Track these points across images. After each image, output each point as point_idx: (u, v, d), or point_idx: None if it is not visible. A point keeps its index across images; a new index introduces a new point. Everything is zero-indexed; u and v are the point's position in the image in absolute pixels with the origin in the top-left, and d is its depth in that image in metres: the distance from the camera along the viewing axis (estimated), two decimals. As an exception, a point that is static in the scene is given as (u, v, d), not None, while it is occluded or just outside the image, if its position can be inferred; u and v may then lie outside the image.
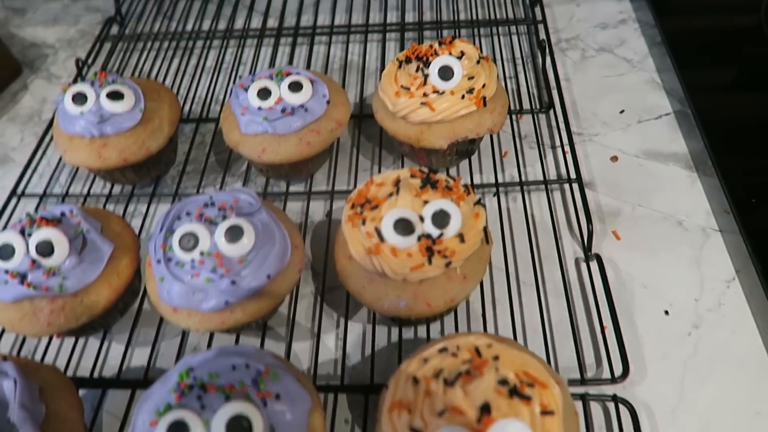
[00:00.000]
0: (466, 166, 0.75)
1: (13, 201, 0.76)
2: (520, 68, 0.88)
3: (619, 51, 0.90)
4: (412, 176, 0.54)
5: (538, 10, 0.94)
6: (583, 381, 0.55)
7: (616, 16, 0.96)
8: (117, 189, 0.77)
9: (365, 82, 0.87)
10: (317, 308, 0.64)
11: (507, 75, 0.87)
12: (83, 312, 0.56)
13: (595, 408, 0.55)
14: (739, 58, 0.84)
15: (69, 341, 0.64)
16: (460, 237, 0.50)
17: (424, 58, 0.64)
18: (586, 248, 0.65)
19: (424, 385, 0.42)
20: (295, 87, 0.65)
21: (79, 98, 0.66)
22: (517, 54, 0.90)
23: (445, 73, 0.63)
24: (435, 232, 0.50)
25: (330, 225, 0.70)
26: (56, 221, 0.56)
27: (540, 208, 0.70)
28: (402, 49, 0.92)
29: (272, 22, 1.00)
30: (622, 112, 0.81)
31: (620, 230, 0.68)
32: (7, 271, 0.54)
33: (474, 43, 0.74)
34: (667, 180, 0.72)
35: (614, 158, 0.75)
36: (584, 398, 0.54)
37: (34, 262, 0.54)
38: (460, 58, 0.63)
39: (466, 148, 0.70)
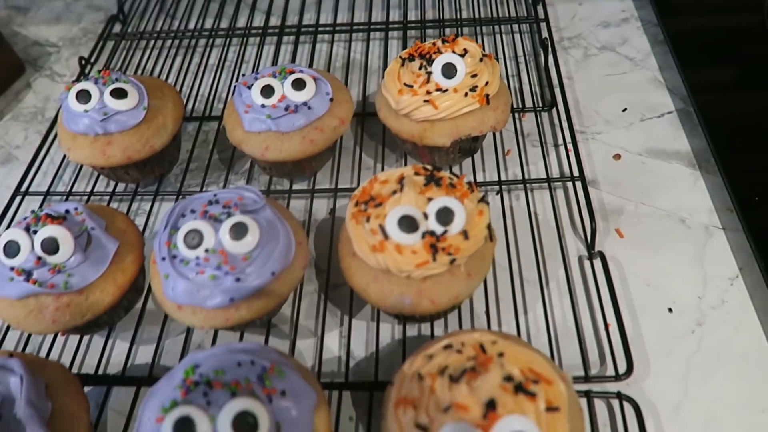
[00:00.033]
0: (469, 164, 0.75)
1: (18, 199, 0.76)
2: (522, 66, 0.88)
3: (622, 49, 0.90)
4: (416, 173, 0.54)
5: (540, 8, 0.94)
6: (587, 378, 0.55)
7: (619, 15, 0.96)
8: (120, 187, 0.77)
9: (368, 80, 0.87)
10: (321, 306, 0.64)
11: (509, 73, 0.87)
12: (88, 309, 0.56)
13: (599, 405, 0.55)
14: (742, 57, 0.84)
15: (73, 339, 0.64)
16: (464, 234, 0.50)
17: (428, 56, 0.64)
18: (590, 246, 0.65)
19: (429, 382, 0.43)
20: (299, 85, 0.65)
21: (83, 96, 0.66)
22: (520, 52, 0.90)
23: (449, 70, 0.63)
24: (439, 229, 0.50)
25: (333, 223, 0.70)
26: (61, 219, 0.56)
27: (543, 206, 0.71)
28: (404, 47, 0.92)
29: (275, 21, 1.00)
30: (624, 110, 0.81)
31: (623, 228, 0.68)
32: (12, 268, 0.54)
33: (476, 42, 0.74)
34: (669, 178, 0.72)
35: (617, 156, 0.75)
36: (588, 395, 0.54)
37: (39, 259, 0.54)
38: (463, 55, 0.63)
39: (469, 146, 0.70)
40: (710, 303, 0.61)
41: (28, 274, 0.54)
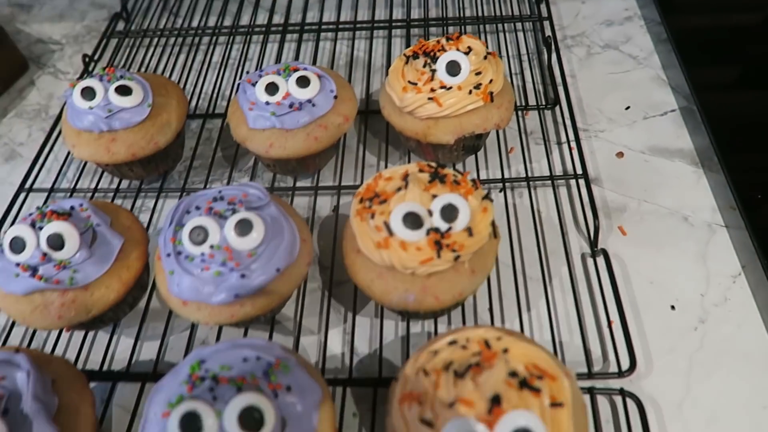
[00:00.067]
0: (472, 161, 0.75)
1: (22, 196, 0.77)
2: (525, 65, 0.88)
3: (625, 48, 0.90)
4: (421, 171, 0.54)
5: (543, 6, 0.94)
6: (590, 375, 0.55)
7: (622, 13, 0.96)
8: (124, 184, 0.77)
9: (371, 78, 0.88)
10: (324, 303, 0.65)
11: (513, 71, 0.87)
12: (93, 305, 0.56)
13: (602, 402, 0.56)
14: (745, 56, 0.84)
15: (78, 335, 0.64)
16: (469, 231, 0.51)
17: (432, 54, 0.64)
18: (593, 243, 0.65)
19: (434, 378, 0.43)
20: (303, 82, 0.65)
21: (88, 93, 0.67)
22: (523, 50, 0.90)
23: (453, 68, 0.63)
24: (443, 226, 0.51)
25: (337, 220, 0.70)
26: (66, 215, 0.56)
27: (546, 204, 0.71)
28: (408, 45, 0.92)
29: (278, 19, 1.00)
30: (627, 108, 0.81)
31: (626, 226, 0.68)
32: (18, 264, 0.54)
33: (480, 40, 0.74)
34: (672, 176, 0.73)
35: (620, 154, 0.75)
36: (591, 392, 0.54)
37: (45, 255, 0.54)
38: (467, 53, 0.63)
39: (472, 144, 0.70)
40: (713, 300, 0.62)
41: (33, 270, 0.54)
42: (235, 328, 0.62)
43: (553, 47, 0.85)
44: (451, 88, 0.63)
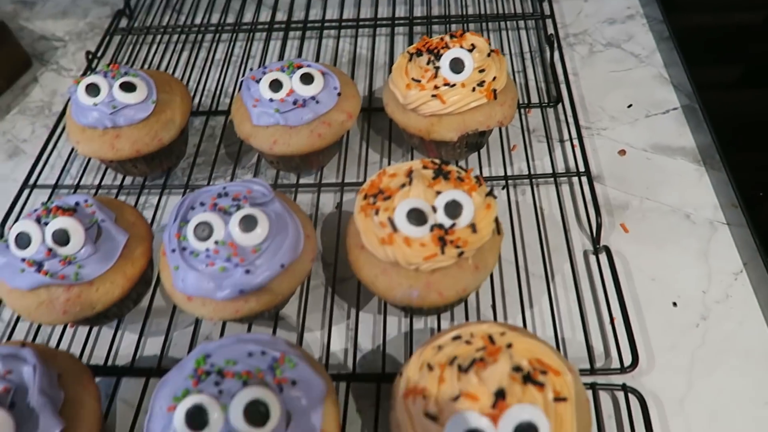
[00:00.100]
0: (475, 159, 0.75)
1: (26, 192, 0.77)
2: (528, 63, 0.88)
3: (627, 46, 0.90)
4: (425, 167, 0.55)
5: (546, 4, 0.94)
6: (592, 371, 0.56)
7: (624, 12, 0.96)
8: (128, 181, 0.77)
9: (374, 75, 0.88)
10: (328, 299, 0.65)
11: (515, 69, 0.87)
12: (98, 300, 0.56)
13: (604, 397, 0.56)
14: (747, 54, 0.84)
15: (82, 331, 0.65)
16: (473, 227, 0.51)
17: (435, 51, 0.65)
18: (595, 241, 0.65)
19: (438, 372, 0.43)
20: (307, 79, 0.66)
21: (93, 89, 0.67)
22: (525, 48, 0.91)
23: (456, 65, 0.63)
24: (447, 222, 0.51)
25: (340, 217, 0.70)
26: (71, 211, 0.56)
27: (549, 201, 0.71)
28: (411, 43, 0.93)
29: (281, 16, 1.00)
30: (629, 106, 0.81)
31: (628, 223, 0.68)
32: (23, 260, 0.54)
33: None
34: (674, 174, 0.73)
35: (622, 152, 0.76)
36: (594, 387, 0.55)
37: (50, 250, 0.54)
38: (471, 50, 0.64)
39: (475, 141, 0.71)
40: (714, 297, 0.62)
41: (39, 266, 0.54)
42: (239, 323, 0.63)
43: (555, 45, 0.85)
44: (454, 85, 0.63)
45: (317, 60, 0.91)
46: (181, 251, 0.54)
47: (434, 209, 0.51)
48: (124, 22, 1.03)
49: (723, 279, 0.63)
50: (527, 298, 0.63)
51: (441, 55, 0.64)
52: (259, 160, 0.77)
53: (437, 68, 0.64)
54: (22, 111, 0.92)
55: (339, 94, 0.67)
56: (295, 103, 0.65)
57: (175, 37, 0.99)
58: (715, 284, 0.63)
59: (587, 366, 0.56)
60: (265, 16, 1.01)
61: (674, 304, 0.62)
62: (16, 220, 0.73)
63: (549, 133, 0.77)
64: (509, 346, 0.44)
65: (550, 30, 0.90)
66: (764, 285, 0.62)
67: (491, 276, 0.63)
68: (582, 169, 0.71)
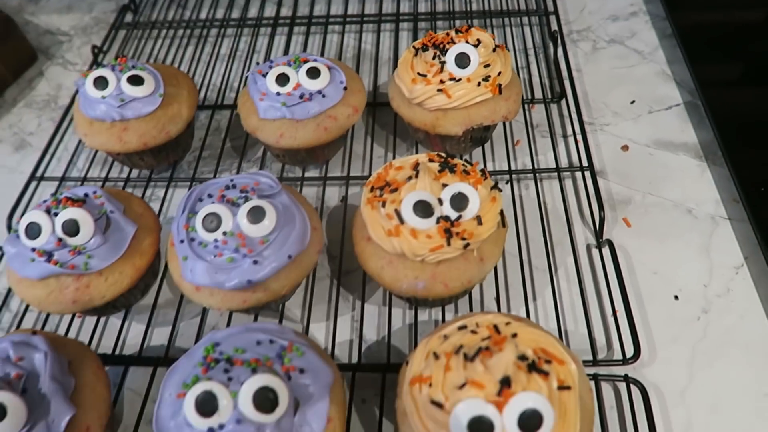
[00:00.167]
0: (479, 153, 0.76)
1: (33, 184, 0.78)
2: (531, 59, 0.89)
3: (630, 43, 0.91)
4: (431, 160, 0.55)
5: (549, 1, 0.95)
6: (595, 362, 0.56)
7: (627, 9, 0.97)
8: (134, 173, 0.78)
9: (378, 71, 0.88)
10: (333, 291, 0.66)
11: (519, 65, 0.88)
12: (107, 290, 0.57)
13: (606, 388, 0.57)
14: (749, 52, 0.85)
15: (89, 321, 0.65)
16: (478, 219, 0.52)
17: (441, 46, 0.65)
18: (598, 235, 0.66)
19: (444, 360, 0.44)
20: (314, 73, 0.66)
21: (101, 83, 0.67)
22: (529, 44, 0.91)
23: (462, 60, 0.64)
24: (453, 214, 0.51)
25: (345, 210, 0.71)
26: (81, 202, 0.57)
27: (552, 196, 0.72)
28: (415, 38, 0.93)
29: (286, 11, 1.01)
30: (632, 102, 0.82)
31: (631, 218, 0.69)
32: (33, 249, 0.55)
33: (487, 33, 0.75)
34: (677, 169, 0.74)
35: (625, 147, 0.76)
36: (596, 378, 0.55)
37: (60, 240, 0.55)
38: (476, 46, 0.64)
39: (480, 136, 0.71)
40: (716, 291, 0.63)
41: (49, 255, 0.55)
42: (246, 314, 0.63)
43: (559, 41, 0.85)
44: (460, 80, 0.64)
45: (322, 55, 0.92)
46: (190, 242, 0.54)
47: (440, 201, 0.52)
48: (129, 17, 1.03)
49: (724, 273, 0.64)
50: (531, 291, 0.63)
51: (447, 50, 0.64)
52: (265, 154, 0.78)
53: (443, 63, 0.64)
54: (29, 104, 0.93)
55: (345, 89, 0.68)
56: (301, 96, 0.66)
57: (180, 31, 0.99)
58: (717, 278, 0.63)
59: (590, 357, 0.57)
60: (269, 11, 1.02)
61: (676, 297, 0.62)
62: (24, 212, 0.73)
63: (552, 128, 0.78)
64: (514, 335, 0.45)
65: (554, 26, 0.90)
66: (765, 279, 0.63)
67: (495, 269, 0.64)
68: (585, 164, 0.72)
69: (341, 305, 0.64)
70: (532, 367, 0.42)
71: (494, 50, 0.66)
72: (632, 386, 0.55)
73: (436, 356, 0.44)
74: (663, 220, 0.69)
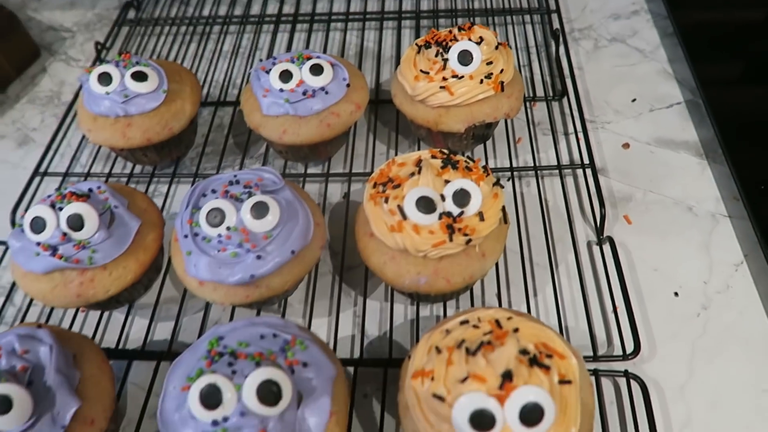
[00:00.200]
0: (481, 151, 0.76)
1: (36, 180, 0.78)
2: (533, 57, 0.89)
3: (632, 41, 0.91)
4: (433, 157, 0.56)
5: (551, -1, 0.95)
6: (595, 357, 0.57)
7: (629, 7, 0.97)
8: (138, 169, 0.78)
9: (380, 68, 0.89)
10: (335, 286, 0.66)
11: (521, 63, 0.88)
12: (111, 284, 0.57)
13: (606, 384, 0.57)
14: (750, 51, 0.85)
15: (93, 316, 0.66)
16: (480, 215, 0.52)
17: (444, 43, 0.65)
18: (599, 231, 0.66)
19: (446, 354, 0.44)
20: (317, 70, 0.67)
21: (105, 78, 0.68)
22: (531, 43, 0.91)
23: (465, 57, 0.64)
24: (456, 210, 0.52)
25: (348, 206, 0.71)
26: (85, 196, 0.57)
27: (553, 193, 0.72)
28: (417, 36, 0.93)
29: (288, 8, 1.01)
30: (634, 100, 0.82)
31: (632, 215, 0.69)
32: (38, 244, 0.55)
33: (489, 31, 0.76)
34: (677, 167, 0.74)
35: (626, 145, 0.77)
36: (596, 374, 0.56)
37: (65, 235, 0.55)
38: (479, 43, 0.64)
39: (482, 133, 0.72)
40: (715, 288, 0.63)
41: (53, 250, 0.55)
42: (248, 309, 0.64)
43: (560, 40, 0.86)
44: (462, 77, 0.64)
45: (324, 52, 0.92)
46: (194, 237, 0.55)
47: (443, 198, 0.52)
48: (132, 14, 1.04)
49: (724, 270, 0.64)
50: (532, 287, 0.64)
51: (449, 47, 0.65)
52: (267, 150, 0.78)
53: (445, 60, 0.65)
54: (32, 100, 0.93)
55: (348, 85, 0.68)
56: (304, 93, 0.66)
57: (183, 28, 1.00)
58: (716, 275, 0.64)
59: (590, 353, 0.57)
60: (272, 8, 1.02)
61: (676, 294, 0.63)
62: (27, 207, 0.74)
63: (554, 126, 0.78)
64: (516, 330, 0.45)
65: (556, 25, 0.91)
66: (764, 276, 0.63)
67: (496, 265, 0.64)
68: (586, 161, 0.72)
69: (343, 301, 0.65)
70: (534, 362, 0.42)
71: (497, 48, 0.66)
72: (632, 382, 0.55)
73: (438, 350, 0.45)
74: (663, 217, 0.69)
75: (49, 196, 0.58)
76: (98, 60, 0.93)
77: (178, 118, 0.71)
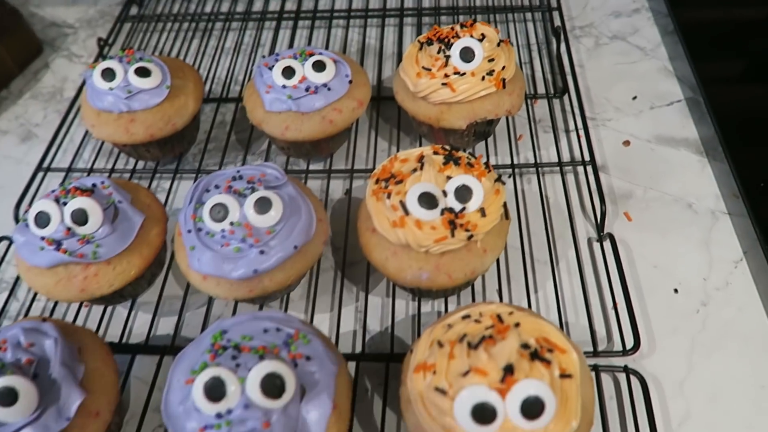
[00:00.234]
0: (482, 147, 0.77)
1: (39, 175, 0.78)
2: (535, 54, 0.89)
3: (633, 39, 0.91)
4: (435, 153, 0.56)
5: (553, -3, 0.95)
6: (595, 353, 0.57)
7: (630, 5, 0.97)
8: (140, 165, 0.79)
9: (382, 65, 0.89)
10: (337, 282, 0.66)
11: (522, 61, 0.89)
12: (115, 279, 0.58)
13: (606, 379, 0.57)
14: (750, 49, 0.85)
15: (96, 311, 0.66)
16: (482, 211, 0.52)
17: (446, 40, 0.66)
18: (599, 228, 0.67)
19: (448, 348, 0.44)
20: (319, 66, 0.67)
21: (108, 74, 0.68)
22: (532, 40, 0.92)
23: (466, 54, 0.64)
24: (458, 206, 0.52)
25: (350, 202, 0.72)
26: (89, 191, 0.58)
27: (554, 190, 0.72)
28: (419, 33, 0.94)
29: (290, 5, 1.01)
30: (634, 98, 0.82)
31: (632, 212, 0.70)
32: (43, 238, 0.56)
33: (491, 28, 0.76)
34: (678, 164, 0.74)
35: (626, 143, 0.77)
36: (596, 369, 0.56)
37: (69, 229, 0.55)
38: (481, 40, 0.65)
39: (483, 130, 0.72)
40: (715, 284, 0.63)
41: (58, 244, 0.55)
42: (251, 304, 0.64)
43: (562, 37, 0.86)
44: (464, 74, 0.64)
45: (326, 49, 0.92)
46: (197, 232, 0.55)
47: (445, 193, 0.53)
48: (134, 10, 1.04)
49: (723, 267, 0.65)
50: (532, 283, 0.64)
51: (451, 44, 0.65)
52: (270, 147, 0.78)
53: (447, 57, 0.65)
54: (35, 96, 0.93)
55: (350, 82, 0.69)
56: (307, 89, 0.67)
57: (186, 25, 1.00)
58: (716, 272, 0.64)
59: (590, 348, 0.58)
60: (274, 5, 1.02)
61: (675, 290, 0.63)
62: (31, 202, 0.74)
63: (555, 123, 0.79)
64: (517, 325, 0.45)
65: (557, 22, 0.91)
66: (763, 273, 0.64)
67: (497, 261, 0.65)
68: (587, 158, 0.72)
69: (345, 296, 0.65)
70: (535, 356, 0.43)
71: (498, 45, 0.66)
72: (632, 377, 0.56)
73: (440, 344, 0.45)
74: (663, 214, 0.69)
75: (53, 191, 0.58)
76: (100, 56, 0.93)
77: (181, 114, 0.71)
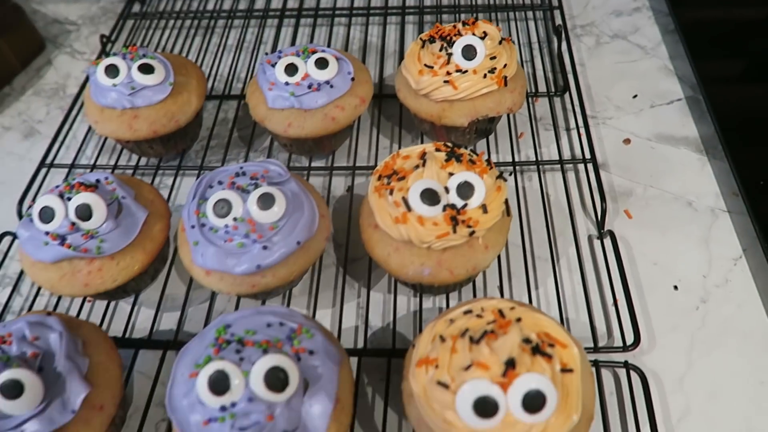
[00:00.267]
0: (483, 145, 0.77)
1: (42, 171, 0.79)
2: (536, 52, 0.90)
3: (633, 38, 0.92)
4: (438, 150, 0.56)
5: (554, -5, 0.96)
6: (595, 348, 0.58)
7: (631, 4, 0.98)
8: (143, 161, 0.79)
9: (384, 63, 0.89)
10: (339, 278, 0.67)
11: (523, 59, 0.89)
12: (119, 274, 0.58)
13: (606, 375, 0.58)
14: (750, 49, 0.86)
15: (99, 306, 0.66)
16: (484, 208, 0.53)
17: (448, 38, 0.66)
18: (600, 226, 0.67)
19: (450, 343, 0.45)
20: (322, 64, 0.67)
21: (112, 71, 0.68)
22: (534, 39, 0.92)
23: (468, 52, 0.65)
24: (459, 202, 0.53)
25: (352, 199, 0.72)
26: (93, 187, 0.58)
27: (555, 187, 0.73)
28: (421, 31, 0.94)
29: (292, 3, 1.02)
30: (635, 96, 0.83)
31: (632, 210, 0.70)
32: (47, 233, 0.56)
33: (492, 27, 0.76)
34: (678, 163, 0.75)
35: (627, 141, 0.77)
36: (596, 365, 0.57)
37: (73, 224, 0.56)
38: (483, 38, 0.65)
39: (485, 127, 0.72)
40: (714, 282, 0.64)
41: (62, 239, 0.56)
42: (253, 300, 0.64)
43: (563, 36, 0.86)
44: (466, 71, 0.65)
45: (328, 47, 0.93)
46: (201, 227, 0.55)
47: (447, 190, 0.53)
48: (136, 7, 1.04)
49: (723, 264, 0.65)
50: (533, 280, 0.65)
51: (453, 42, 0.65)
52: (272, 144, 0.79)
53: (449, 55, 0.65)
54: (37, 92, 0.94)
55: (353, 79, 0.69)
56: (309, 86, 0.67)
57: (188, 22, 1.00)
58: (716, 269, 0.65)
59: (591, 344, 0.58)
60: (276, 2, 1.02)
61: (675, 287, 0.64)
62: (34, 198, 0.74)
63: (556, 121, 0.79)
64: (518, 319, 0.46)
65: (558, 21, 0.91)
66: (762, 270, 0.64)
67: (499, 258, 0.65)
68: (588, 156, 0.73)
69: (347, 292, 0.65)
70: (536, 350, 0.43)
71: (500, 43, 0.67)
72: (632, 373, 0.56)
73: (443, 339, 0.46)
74: (663, 212, 0.70)
75: (57, 187, 0.59)
76: (103, 53, 0.93)
77: (185, 111, 0.71)
